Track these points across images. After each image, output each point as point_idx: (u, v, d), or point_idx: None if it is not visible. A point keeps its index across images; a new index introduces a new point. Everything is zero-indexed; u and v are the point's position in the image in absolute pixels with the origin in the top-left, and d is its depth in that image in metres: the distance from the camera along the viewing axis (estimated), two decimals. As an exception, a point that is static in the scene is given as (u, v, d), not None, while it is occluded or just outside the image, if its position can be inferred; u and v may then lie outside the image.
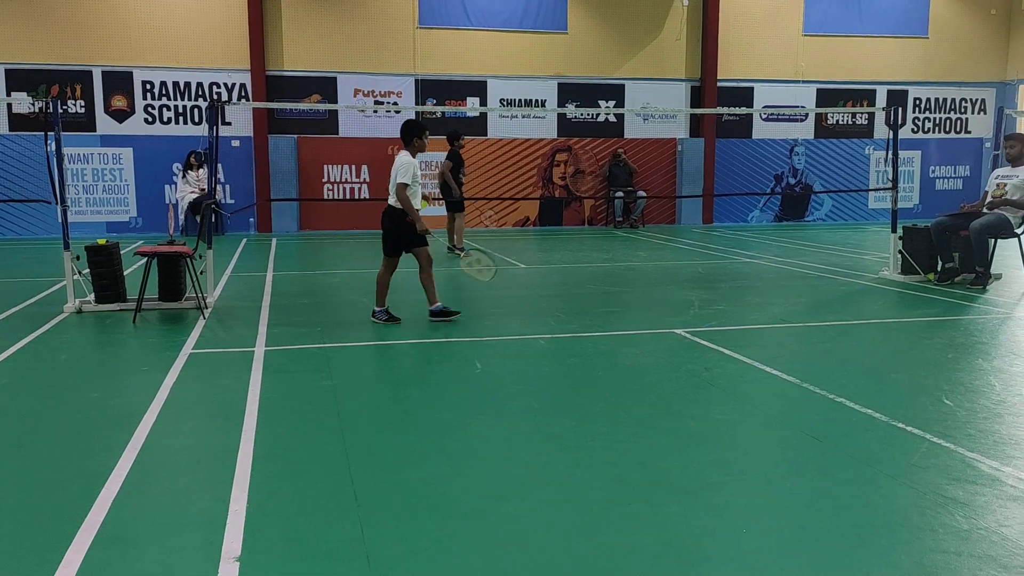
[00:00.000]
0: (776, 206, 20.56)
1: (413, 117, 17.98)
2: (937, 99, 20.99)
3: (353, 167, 18.22)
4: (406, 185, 7.36)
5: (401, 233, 7.54)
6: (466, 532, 3.38)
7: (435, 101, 18.30)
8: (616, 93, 19.23)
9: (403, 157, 7.50)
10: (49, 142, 8.24)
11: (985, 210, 9.66)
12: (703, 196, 19.26)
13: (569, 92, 19.00)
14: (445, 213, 14.01)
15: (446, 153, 13.44)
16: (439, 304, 7.75)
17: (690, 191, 19.41)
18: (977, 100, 21.24)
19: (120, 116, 17.28)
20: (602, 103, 19.08)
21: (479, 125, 18.81)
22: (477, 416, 4.96)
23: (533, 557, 3.18)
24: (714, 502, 3.69)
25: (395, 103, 18.22)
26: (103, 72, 17.07)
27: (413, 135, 7.62)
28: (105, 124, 17.22)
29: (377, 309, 7.77)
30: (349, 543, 3.27)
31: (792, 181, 20.47)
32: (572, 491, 3.80)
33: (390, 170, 7.58)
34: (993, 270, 9.69)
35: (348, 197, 18.24)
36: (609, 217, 19.34)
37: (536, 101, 18.86)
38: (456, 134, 13.67)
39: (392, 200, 7.49)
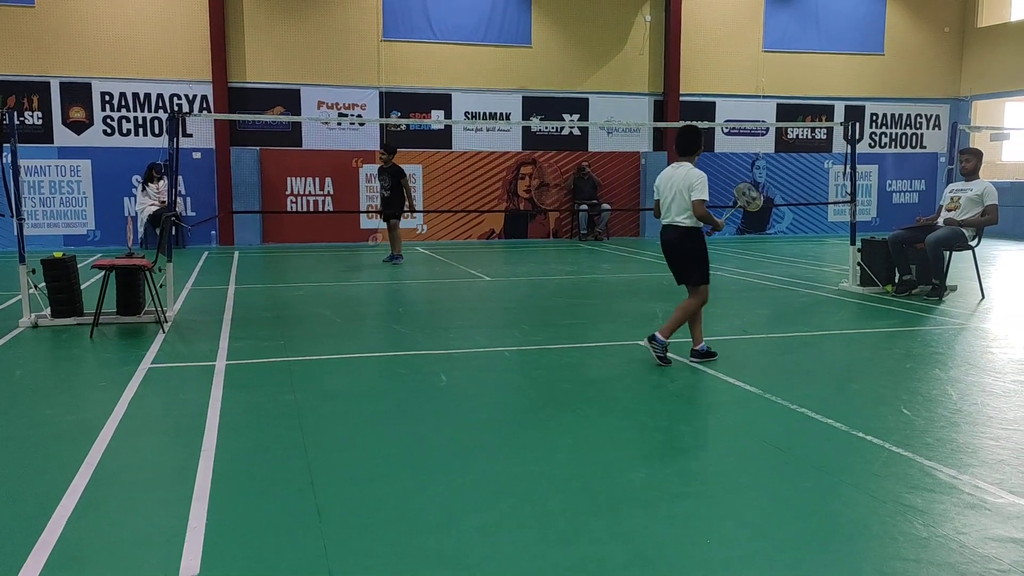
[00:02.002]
0: (738, 219, 20.80)
1: (388, 129, 17.97)
2: (893, 115, 21.43)
3: (316, 179, 18.10)
4: (705, 201, 6.36)
5: (688, 260, 6.51)
6: (431, 546, 3.35)
7: (399, 114, 18.26)
8: (580, 107, 19.36)
9: (692, 169, 6.46)
10: (5, 154, 8.08)
11: (938, 221, 9.87)
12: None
13: (533, 105, 19.08)
14: (384, 225, 14.45)
15: (389, 164, 13.77)
16: (704, 344, 6.59)
17: (654, 204, 19.54)
18: (932, 116, 21.72)
19: (78, 128, 17.00)
20: (566, 116, 19.19)
21: (444, 138, 18.81)
22: (442, 429, 4.93)
23: (500, 570, 3.16)
24: (678, 512, 3.70)
25: (359, 115, 18.15)
26: (61, 83, 16.78)
27: (698, 145, 6.67)
28: (63, 136, 16.92)
29: (660, 338, 6.44)
30: (311, 560, 3.22)
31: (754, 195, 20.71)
32: (538, 503, 3.79)
33: (671, 186, 6.50)
34: (948, 282, 9.88)
35: (311, 210, 18.11)
36: (574, 230, 19.43)
37: (501, 114, 18.92)
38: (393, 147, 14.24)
39: (684, 219, 6.43)
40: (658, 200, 6.71)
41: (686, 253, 6.50)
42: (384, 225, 14.75)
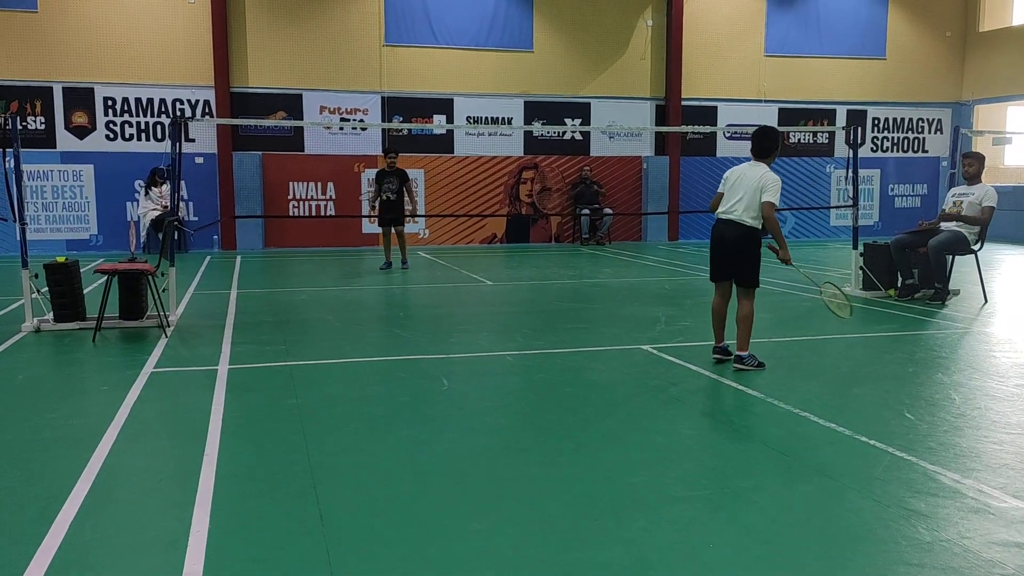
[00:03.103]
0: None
1: (384, 133, 17.98)
2: (895, 119, 21.44)
3: (319, 184, 18.13)
4: (775, 206, 6.25)
5: (746, 259, 6.40)
6: (433, 550, 3.34)
7: (401, 118, 18.29)
8: (582, 111, 19.37)
9: (769, 172, 6.33)
10: (8, 159, 8.09)
11: (941, 225, 9.86)
12: (668, 213, 19.43)
13: (535, 110, 19.11)
14: (381, 229, 14.10)
15: (389, 168, 13.45)
16: (748, 351, 6.45)
17: (655, 208, 19.57)
18: (934, 120, 21.72)
19: (81, 132, 17.04)
20: (568, 121, 19.21)
21: (446, 142, 18.84)
22: (444, 433, 4.93)
23: (501, 574, 3.15)
24: (680, 517, 3.69)
25: (361, 120, 18.18)
26: (64, 88, 16.83)
27: (775, 146, 6.50)
28: (66, 141, 16.96)
29: (743, 354, 6.39)
30: (314, 564, 3.22)
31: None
32: (540, 507, 3.79)
33: (742, 183, 6.35)
34: (951, 286, 9.87)
35: (314, 214, 18.13)
36: (576, 234, 19.43)
37: (502, 119, 18.94)
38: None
39: (750, 218, 6.32)
40: (720, 193, 6.62)
41: (744, 253, 6.40)
42: (380, 229, 14.42)
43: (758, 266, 6.46)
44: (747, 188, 6.33)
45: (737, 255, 6.44)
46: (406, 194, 13.53)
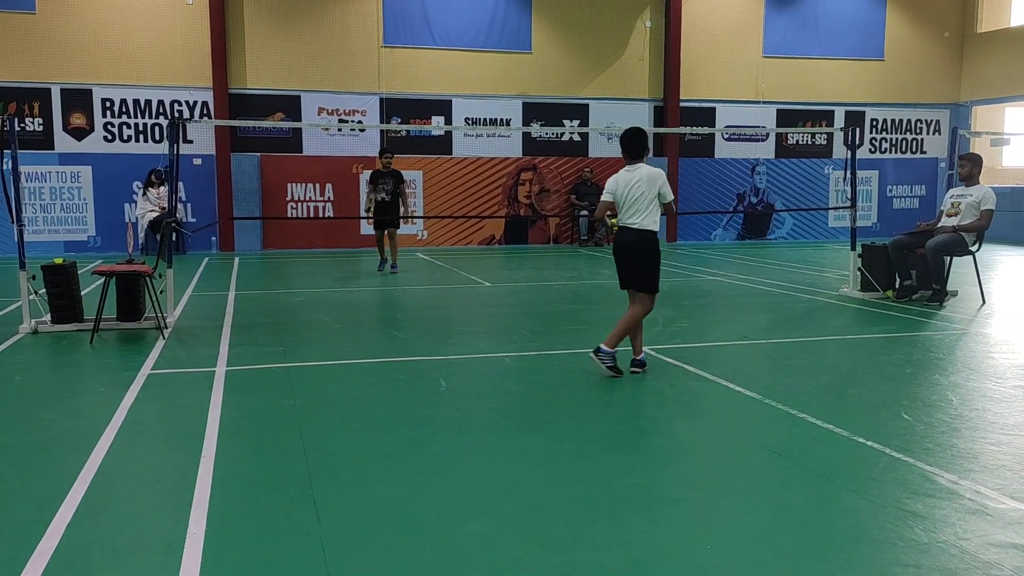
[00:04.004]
0: (739, 225, 20.80)
1: (382, 134, 17.99)
2: (893, 120, 21.45)
3: (317, 185, 18.12)
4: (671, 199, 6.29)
5: (648, 263, 6.33)
6: (431, 552, 3.34)
7: (400, 120, 18.29)
8: (580, 112, 19.38)
9: (653, 169, 6.29)
10: (5, 160, 8.09)
11: (939, 226, 9.87)
12: (667, 215, 19.41)
13: (534, 111, 19.11)
14: (375, 232, 13.93)
15: (384, 169, 13.32)
16: (612, 350, 6.29)
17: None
18: (932, 121, 21.74)
19: (79, 134, 17.03)
20: (567, 122, 19.21)
21: (444, 144, 18.83)
22: (442, 434, 4.93)
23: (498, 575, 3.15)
24: (679, 519, 3.69)
25: (359, 121, 18.18)
26: (62, 89, 16.82)
27: (648, 147, 6.49)
28: (63, 142, 16.95)
29: (606, 348, 6.27)
30: (311, 565, 3.22)
31: (754, 200, 20.74)
32: (537, 509, 3.79)
33: (638, 189, 6.24)
34: (949, 287, 9.88)
35: (312, 216, 18.12)
36: (574, 236, 19.43)
37: (501, 120, 18.94)
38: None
39: (648, 221, 6.27)
40: (607, 202, 6.50)
41: (646, 257, 6.34)
42: (373, 231, 14.24)
43: (657, 269, 6.40)
44: (645, 194, 6.23)
45: (639, 260, 6.36)
46: (401, 197, 13.37)
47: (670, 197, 6.31)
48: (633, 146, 6.40)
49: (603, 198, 6.58)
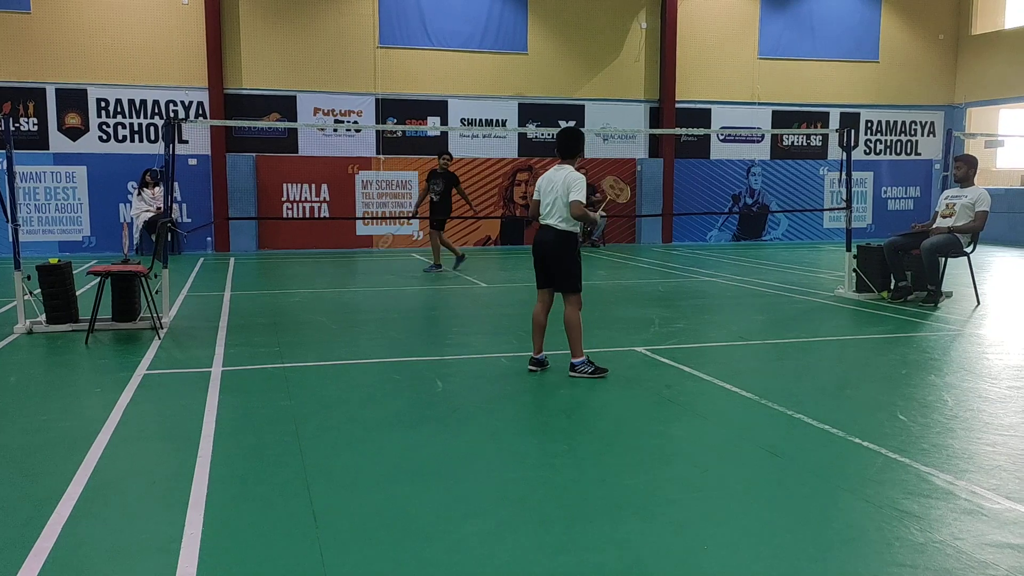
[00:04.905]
0: (734, 226, 20.83)
1: (378, 135, 17.95)
2: (888, 122, 21.50)
3: (313, 186, 18.10)
4: (582, 203, 6.19)
5: (561, 264, 6.42)
6: (427, 553, 3.34)
7: (395, 120, 18.27)
8: (576, 113, 19.39)
9: (572, 172, 6.27)
10: (0, 160, 8.07)
11: (934, 227, 9.89)
12: (662, 216, 19.46)
13: (529, 112, 19.12)
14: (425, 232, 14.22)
15: (440, 169, 13.53)
16: (584, 357, 6.39)
17: (650, 210, 19.59)
18: (927, 123, 21.80)
19: (74, 134, 16.99)
20: (562, 123, 19.20)
21: (440, 144, 18.80)
22: (438, 435, 4.92)
23: (495, 577, 3.15)
24: (675, 519, 3.70)
25: (355, 122, 18.16)
26: (57, 89, 16.78)
27: (579, 148, 6.46)
28: (58, 142, 16.91)
29: (576, 361, 6.35)
30: (307, 566, 3.21)
31: (749, 201, 20.78)
32: (534, 509, 3.79)
33: (552, 188, 6.29)
34: (944, 288, 9.90)
35: (308, 216, 18.11)
36: (570, 236, 19.40)
37: (497, 121, 18.94)
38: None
39: (561, 222, 6.29)
40: (536, 200, 6.53)
41: (560, 258, 6.36)
42: (400, 229, 14.37)
43: (576, 271, 6.38)
44: (556, 192, 6.26)
45: (554, 261, 6.38)
46: (459, 194, 13.45)
47: (573, 197, 6.17)
48: (561, 146, 6.44)
49: (532, 196, 6.63)
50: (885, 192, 21.65)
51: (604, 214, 18.77)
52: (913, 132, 21.73)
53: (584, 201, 6.20)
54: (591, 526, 3.59)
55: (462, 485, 4.10)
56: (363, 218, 18.09)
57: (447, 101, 18.67)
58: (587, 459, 4.49)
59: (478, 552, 3.35)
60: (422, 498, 3.91)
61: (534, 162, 19.29)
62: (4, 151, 8.02)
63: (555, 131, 19.05)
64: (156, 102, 17.27)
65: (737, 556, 3.33)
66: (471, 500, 3.90)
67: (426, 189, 13.60)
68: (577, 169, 6.40)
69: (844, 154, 10.80)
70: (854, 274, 10.55)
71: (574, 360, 6.35)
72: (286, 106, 17.87)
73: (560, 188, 6.24)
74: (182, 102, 17.36)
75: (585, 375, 6.27)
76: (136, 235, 16.79)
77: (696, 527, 3.61)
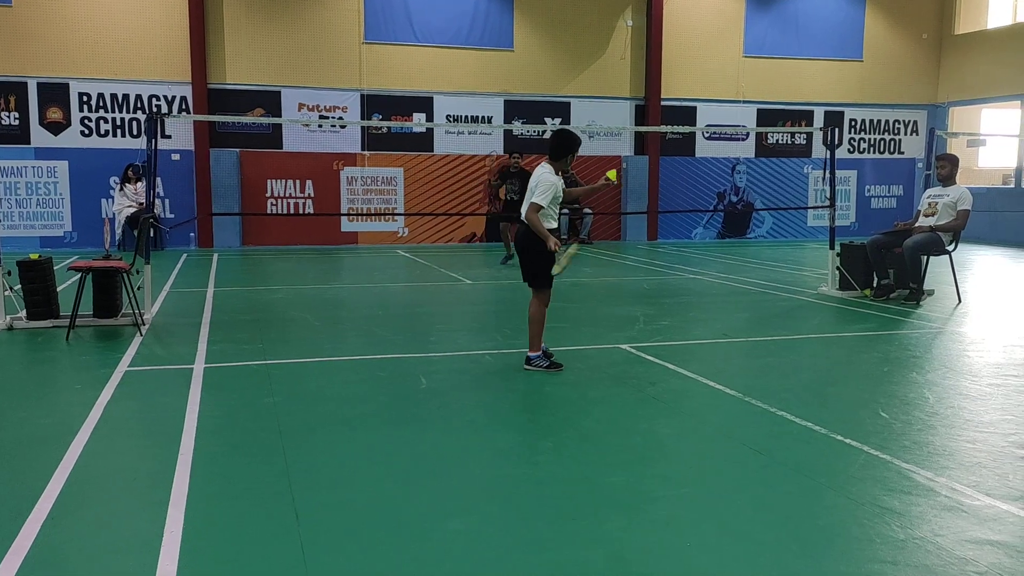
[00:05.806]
0: (719, 223, 20.90)
1: (370, 132, 17.88)
2: (872, 120, 21.63)
3: (297, 182, 18.00)
4: (540, 207, 6.18)
5: (526, 257, 6.45)
6: (411, 551, 3.33)
7: (381, 116, 18.21)
8: (562, 110, 19.38)
9: (545, 173, 6.29)
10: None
11: (916, 225, 9.96)
12: (648, 213, 19.48)
13: (515, 109, 19.09)
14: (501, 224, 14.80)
15: (513, 169, 14.23)
16: (541, 352, 6.42)
17: (635, 208, 19.62)
18: (910, 122, 21.94)
19: (56, 128, 16.83)
20: (548, 120, 19.20)
21: (425, 141, 18.77)
22: (422, 432, 4.91)
23: (479, 574, 3.15)
24: (658, 516, 3.70)
25: (340, 118, 18.09)
26: (38, 83, 16.60)
27: (568, 151, 6.39)
28: (40, 136, 16.74)
29: (531, 355, 6.41)
30: (289, 564, 3.20)
31: (734, 199, 20.85)
32: (519, 507, 3.78)
33: (528, 185, 6.39)
34: (926, 286, 9.97)
35: (292, 212, 18.02)
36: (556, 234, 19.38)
37: (482, 117, 18.90)
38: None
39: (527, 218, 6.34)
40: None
41: (524, 250, 6.44)
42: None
43: (536, 269, 6.40)
44: (528, 189, 6.35)
45: (520, 253, 6.49)
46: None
47: (532, 199, 6.22)
48: (550, 145, 6.46)
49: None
50: (868, 190, 21.78)
51: (589, 210, 18.85)
52: (896, 131, 21.86)
53: (543, 205, 6.20)
54: (575, 523, 3.59)
55: (446, 482, 4.09)
56: (348, 214, 18.01)
57: (433, 97, 18.62)
58: (571, 456, 4.49)
59: (462, 550, 3.35)
60: (406, 495, 3.90)
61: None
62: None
63: (541, 128, 19.03)
64: (139, 96, 17.13)
65: (720, 553, 3.34)
66: (455, 497, 3.89)
67: (495, 188, 14.28)
68: (562, 172, 6.39)
69: (828, 152, 10.85)
70: (837, 272, 10.61)
71: (530, 354, 6.39)
72: (270, 101, 17.77)
73: (532, 185, 6.33)
74: (165, 97, 17.23)
75: (540, 369, 6.31)
76: (118, 231, 16.65)
77: (680, 524, 3.62)
